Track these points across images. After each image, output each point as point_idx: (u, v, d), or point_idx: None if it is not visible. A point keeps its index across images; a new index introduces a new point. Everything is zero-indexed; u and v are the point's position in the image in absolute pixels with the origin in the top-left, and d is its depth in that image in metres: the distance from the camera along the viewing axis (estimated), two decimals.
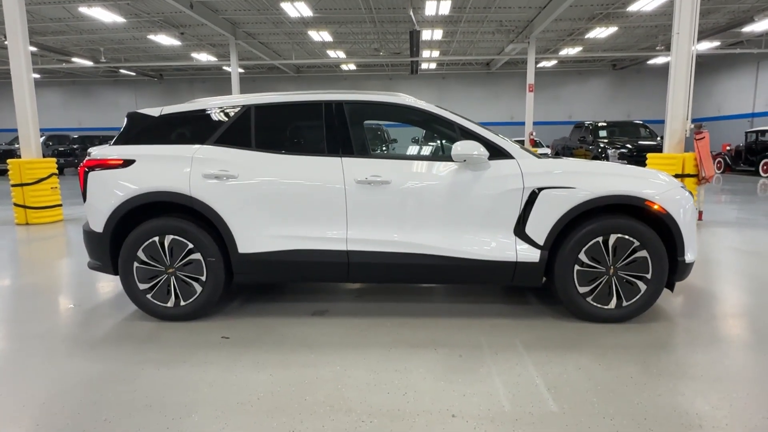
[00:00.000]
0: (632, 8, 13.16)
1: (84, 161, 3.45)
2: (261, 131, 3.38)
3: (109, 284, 4.32)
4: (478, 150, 3.09)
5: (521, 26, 16.50)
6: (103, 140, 20.45)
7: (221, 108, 3.46)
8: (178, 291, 3.31)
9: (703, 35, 17.53)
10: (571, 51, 19.83)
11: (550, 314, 3.42)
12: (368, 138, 3.41)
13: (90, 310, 3.65)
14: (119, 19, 14.74)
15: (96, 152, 3.44)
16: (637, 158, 12.59)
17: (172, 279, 3.30)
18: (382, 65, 24.84)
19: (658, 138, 15.21)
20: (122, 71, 24.50)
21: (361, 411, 2.19)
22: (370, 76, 27.26)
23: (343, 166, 3.23)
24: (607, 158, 13.43)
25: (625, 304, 3.19)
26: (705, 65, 23.32)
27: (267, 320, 3.37)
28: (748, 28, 15.82)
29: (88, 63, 20.53)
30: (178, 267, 3.29)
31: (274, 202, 3.23)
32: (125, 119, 3.57)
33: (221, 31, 15.88)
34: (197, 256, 3.26)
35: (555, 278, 3.19)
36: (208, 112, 3.47)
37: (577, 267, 3.16)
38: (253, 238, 3.24)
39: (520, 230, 3.17)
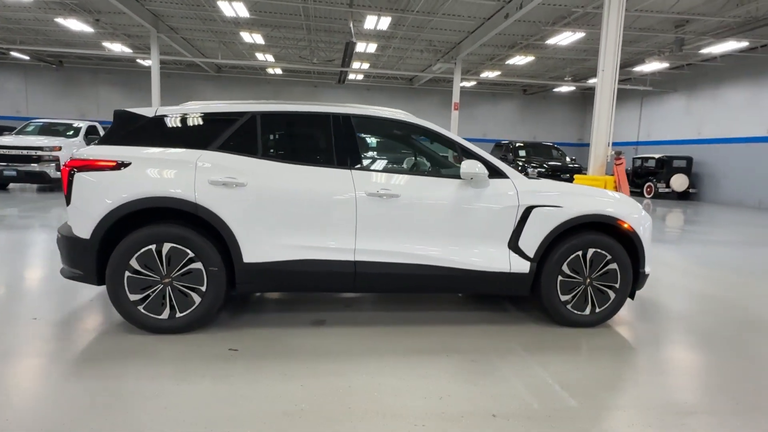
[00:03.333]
0: (550, 41, 14.58)
1: (68, 161, 3.16)
2: (267, 139, 3.35)
3: (65, 293, 3.92)
4: (482, 169, 3.35)
5: (449, 47, 17.44)
6: None
7: (223, 113, 3.36)
8: (174, 302, 3.14)
9: None
10: (490, 74, 21.28)
11: (531, 320, 3.76)
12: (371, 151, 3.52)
13: (58, 322, 3.32)
14: None
15: (83, 152, 3.16)
16: (552, 177, 13.88)
17: (168, 289, 3.13)
18: (309, 72, 24.70)
19: (567, 159, 16.88)
20: (13, 54, 21.73)
21: (409, 415, 2.30)
22: (295, 82, 26.92)
23: (353, 178, 3.30)
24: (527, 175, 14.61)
25: (597, 310, 3.61)
26: None
27: (268, 331, 3.32)
28: (638, 68, 18.19)
29: None
30: (176, 277, 3.13)
31: (283, 211, 3.21)
32: (113, 117, 3.33)
33: (142, 22, 14.83)
34: (198, 265, 3.13)
35: (541, 287, 3.52)
36: (209, 116, 3.35)
37: (560, 278, 3.52)
38: (259, 247, 3.19)
39: (513, 244, 3.47)
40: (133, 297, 3.09)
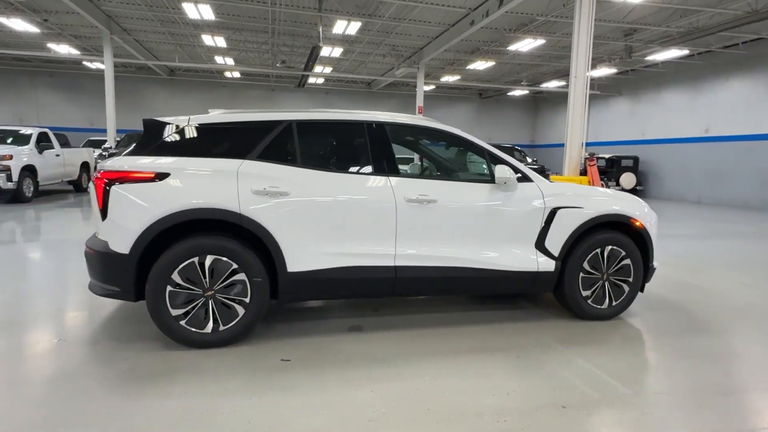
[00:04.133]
0: (511, 47, 15.18)
1: (99, 173, 3.02)
2: (305, 148, 3.35)
3: (74, 311, 3.73)
4: (513, 173, 3.51)
5: (411, 52, 17.73)
6: None
7: (259, 122, 3.33)
8: (217, 315, 3.08)
9: (555, 76, 20.80)
10: (450, 78, 21.82)
11: (552, 316, 3.95)
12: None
13: (86, 343, 3.16)
14: None
15: (116, 163, 3.04)
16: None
17: (211, 302, 3.07)
18: (267, 76, 24.30)
19: (529, 160, 17.57)
20: None
21: (487, 413, 2.40)
22: (252, 86, 26.39)
23: (391, 185, 3.37)
24: None
25: (614, 303, 3.86)
26: (549, 100, 27.54)
27: (309, 339, 3.32)
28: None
29: None
30: (219, 289, 3.07)
31: (325, 219, 3.22)
32: (143, 127, 3.22)
33: (95, 23, 14.09)
34: (241, 276, 3.09)
35: (564, 284, 3.73)
36: (245, 125, 3.31)
37: (581, 274, 3.74)
38: (303, 256, 3.19)
39: (540, 244, 3.66)
40: (174, 312, 3.01)
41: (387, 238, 3.34)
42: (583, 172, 8.18)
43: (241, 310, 3.11)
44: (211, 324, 3.08)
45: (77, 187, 13.78)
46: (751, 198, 14.93)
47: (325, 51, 16.09)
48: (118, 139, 15.59)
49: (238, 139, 3.27)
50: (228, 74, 23.03)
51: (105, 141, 17.69)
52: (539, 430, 2.26)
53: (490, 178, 3.62)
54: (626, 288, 3.86)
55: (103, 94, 15.50)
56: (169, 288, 2.98)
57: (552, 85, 22.26)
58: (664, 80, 19.04)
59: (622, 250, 3.80)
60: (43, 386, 2.57)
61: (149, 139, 3.19)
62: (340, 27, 13.12)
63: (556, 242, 3.66)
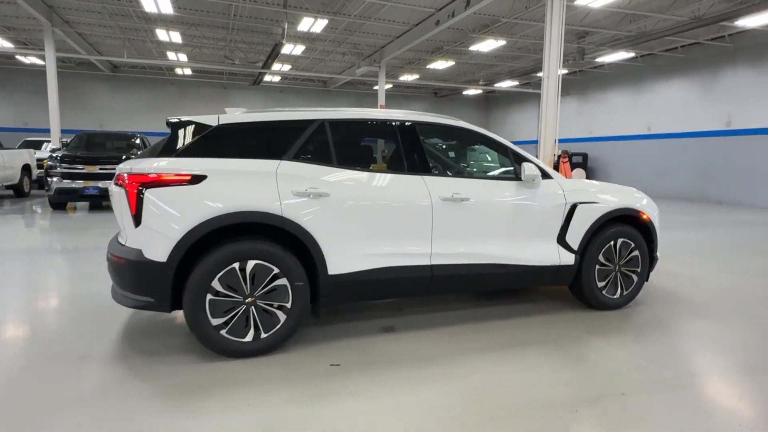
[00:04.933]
0: (473, 48, 15.53)
1: (127, 176, 2.82)
2: (339, 147, 3.29)
3: (85, 323, 3.46)
4: (539, 171, 3.62)
5: (372, 51, 17.72)
6: None
7: (292, 121, 3.23)
8: (258, 322, 2.97)
9: (509, 76, 21.50)
10: (409, 77, 21.99)
11: (567, 307, 4.10)
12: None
13: (114, 358, 2.95)
14: None
15: (145, 166, 2.84)
16: None
17: (252, 309, 2.95)
18: (220, 73, 23.47)
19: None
20: None
21: (556, 404, 2.47)
22: (203, 83, 25.39)
23: (426, 184, 3.37)
24: None
25: (625, 293, 4.07)
26: (501, 99, 28.44)
27: (348, 342, 3.27)
28: (540, 74, 20.07)
29: None
30: (259, 295, 2.96)
31: (365, 220, 3.18)
32: (170, 128, 3.03)
33: (35, 14, 13.03)
34: (283, 281, 2.99)
35: (582, 277, 3.89)
36: (278, 124, 3.20)
37: (597, 266, 3.92)
38: (343, 258, 3.13)
39: (561, 238, 3.79)
40: (215, 321, 2.87)
41: (424, 237, 3.35)
42: (555, 168, 8.56)
43: (282, 316, 3.02)
44: (252, 332, 2.96)
45: (18, 191, 12.70)
46: (690, 190, 16.13)
47: (287, 48, 15.75)
48: (65, 139, 14.53)
49: (272, 139, 3.16)
50: (179, 71, 22.02)
51: (44, 142, 16.43)
52: (614, 418, 2.35)
53: (514, 176, 3.72)
54: (635, 278, 4.09)
55: (38, 91, 14.41)
56: (209, 296, 2.84)
57: (505, 84, 22.99)
58: (609, 81, 20.16)
59: (632, 242, 4.01)
60: (88, 408, 2.38)
61: (176, 140, 3.02)
62: (306, 24, 12.89)
63: (575, 236, 3.80)
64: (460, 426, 2.26)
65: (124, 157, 10.47)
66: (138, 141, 12.13)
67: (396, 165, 3.43)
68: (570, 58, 16.35)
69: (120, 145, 11.93)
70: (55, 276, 4.99)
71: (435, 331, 3.52)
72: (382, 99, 18.21)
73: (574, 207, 3.79)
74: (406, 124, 3.50)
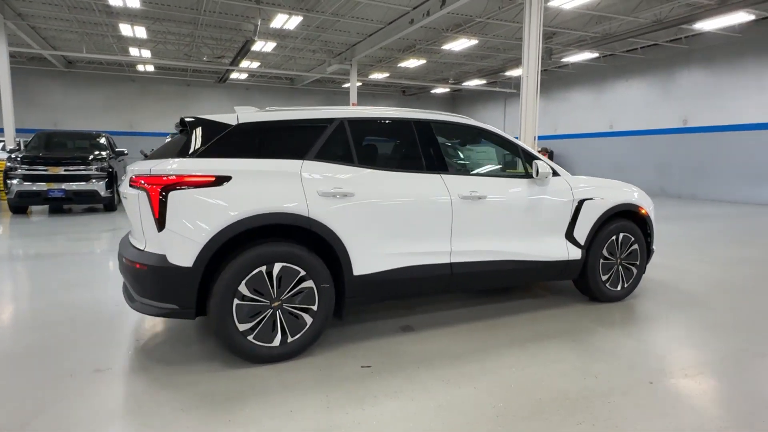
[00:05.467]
0: (445, 47, 15.67)
1: (147, 178, 2.68)
2: (360, 146, 3.25)
3: (91, 333, 3.29)
4: (550, 169, 3.70)
5: (343, 49, 17.60)
6: None
7: (312, 119, 3.17)
8: (285, 326, 2.90)
9: (477, 75, 21.85)
10: (379, 76, 21.98)
11: (573, 301, 4.22)
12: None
13: (134, 371, 2.81)
14: None
15: (165, 167, 2.71)
16: None
17: (278, 313, 2.88)
18: (184, 70, 22.73)
19: None
20: None
21: (592, 396, 2.54)
22: (165, 80, 24.52)
23: (445, 182, 3.39)
24: None
25: (626, 285, 4.23)
26: (467, 97, 28.87)
27: (372, 343, 3.24)
28: (507, 73, 20.52)
29: None
30: (286, 299, 2.89)
31: (389, 219, 3.17)
32: (187, 126, 2.91)
33: None
34: (309, 283, 2.94)
35: (588, 270, 4.01)
36: (298, 123, 3.13)
37: (601, 260, 4.05)
38: (367, 258, 3.11)
39: (569, 234, 3.90)
40: (242, 327, 2.79)
41: (444, 235, 3.36)
42: None
43: (309, 319, 2.96)
44: (279, 336, 2.89)
45: None
46: (651, 186, 16.88)
47: (257, 45, 15.41)
48: (19, 139, 13.70)
49: (293, 139, 3.09)
50: (140, 68, 21.16)
51: None
52: (650, 406, 2.44)
53: (524, 173, 3.79)
54: (635, 270, 4.25)
55: None
56: (236, 301, 2.75)
57: (473, 83, 23.35)
58: (573, 80, 20.84)
59: (631, 236, 4.17)
60: (126, 422, 2.26)
61: (194, 140, 2.91)
62: (280, 21, 12.65)
63: (582, 232, 3.92)
64: (508, 421, 2.28)
65: (90, 157, 9.99)
66: (103, 140, 11.58)
67: (415, 164, 3.43)
68: None
69: (83, 145, 11.36)
70: (39, 285, 4.70)
71: (453, 328, 3.54)
72: (354, 97, 18.12)
73: (581, 203, 3.90)
74: (423, 122, 3.50)
